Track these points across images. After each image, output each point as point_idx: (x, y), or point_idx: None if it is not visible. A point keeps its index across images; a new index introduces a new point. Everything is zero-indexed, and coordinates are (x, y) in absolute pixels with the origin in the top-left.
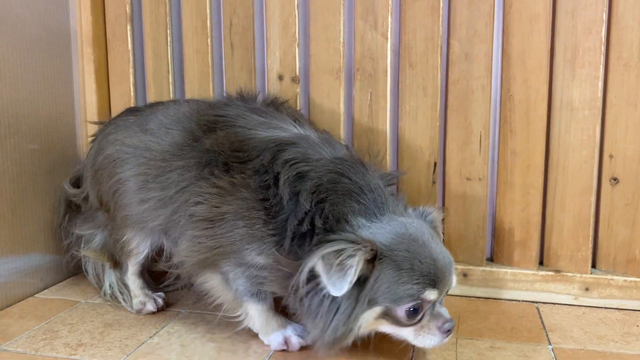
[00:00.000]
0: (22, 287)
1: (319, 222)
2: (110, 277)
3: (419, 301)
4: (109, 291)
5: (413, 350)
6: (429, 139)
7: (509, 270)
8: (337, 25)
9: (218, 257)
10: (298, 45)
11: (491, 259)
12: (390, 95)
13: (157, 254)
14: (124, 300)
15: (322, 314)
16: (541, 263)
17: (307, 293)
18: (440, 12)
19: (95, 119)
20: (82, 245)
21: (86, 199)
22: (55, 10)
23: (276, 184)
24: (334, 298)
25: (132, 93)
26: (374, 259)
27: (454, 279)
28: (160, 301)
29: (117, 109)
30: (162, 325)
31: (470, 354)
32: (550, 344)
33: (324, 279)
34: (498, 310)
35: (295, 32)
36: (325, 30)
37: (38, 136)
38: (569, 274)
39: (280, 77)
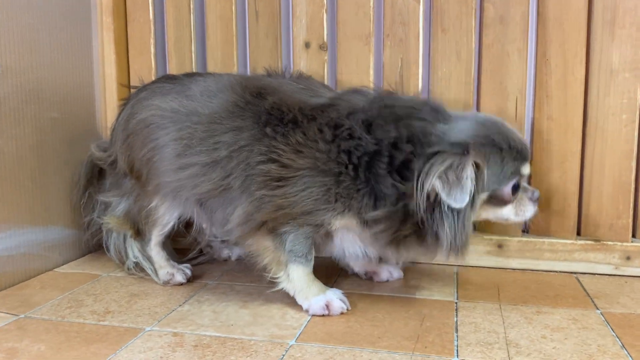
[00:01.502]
0: (41, 260)
1: (408, 147)
2: (133, 248)
3: (519, 176)
4: (133, 261)
5: (456, 315)
6: (462, 105)
7: (546, 240)
8: None
9: (283, 218)
10: (326, 10)
11: (527, 230)
12: (422, 61)
13: (185, 226)
14: (150, 270)
15: (449, 225)
16: (579, 232)
17: (427, 212)
18: None
19: (114, 90)
20: (104, 213)
21: (113, 163)
22: None
23: (351, 135)
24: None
25: (152, 64)
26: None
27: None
28: (188, 272)
29: (136, 80)
30: (190, 295)
31: (517, 317)
32: (597, 308)
33: (445, 196)
34: (537, 280)
35: None
36: None
37: (58, 104)
38: (609, 243)
39: (307, 45)
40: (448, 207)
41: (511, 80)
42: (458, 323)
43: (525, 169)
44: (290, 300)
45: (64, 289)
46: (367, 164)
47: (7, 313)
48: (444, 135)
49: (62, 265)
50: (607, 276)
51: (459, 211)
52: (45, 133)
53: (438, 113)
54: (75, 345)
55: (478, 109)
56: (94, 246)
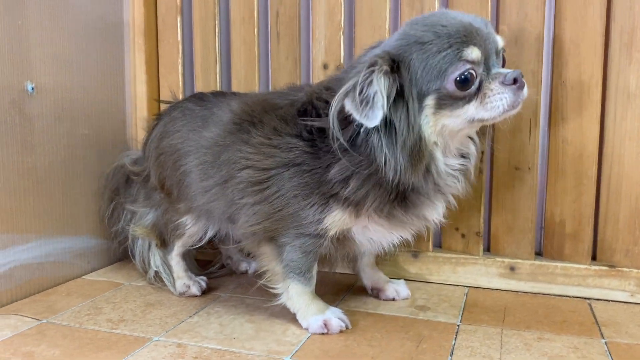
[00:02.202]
0: (70, 267)
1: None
2: (155, 257)
3: (463, 64)
4: (154, 270)
5: (455, 339)
6: None
7: (559, 264)
8: (382, 12)
9: (276, 225)
10: (343, 33)
11: (540, 253)
12: None
13: (209, 241)
14: (168, 281)
15: (380, 146)
16: (594, 257)
17: (352, 140)
18: None
19: (145, 108)
20: (133, 222)
21: (147, 177)
22: (110, 1)
23: (300, 122)
24: (382, 126)
25: (180, 83)
26: (394, 63)
27: (497, 36)
28: (203, 284)
29: (166, 96)
30: (202, 307)
31: (516, 343)
32: (603, 337)
33: (357, 116)
34: (547, 305)
35: (340, 19)
36: (371, 17)
37: (89, 121)
38: (625, 269)
39: (325, 66)
40: (372, 129)
41: (525, 103)
42: (455, 346)
43: (470, 54)
44: (293, 316)
45: (87, 297)
46: (321, 144)
47: (32, 318)
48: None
49: (90, 272)
50: (622, 303)
51: (394, 127)
52: (76, 148)
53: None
54: (86, 352)
55: (493, 128)
56: (120, 255)
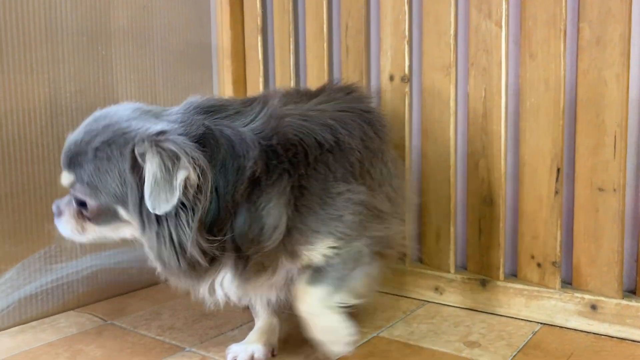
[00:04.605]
0: (152, 273)
1: None
2: None
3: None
4: None
5: None
6: (551, 141)
7: None
8: (448, 17)
9: None
10: (407, 42)
11: (633, 291)
12: (505, 91)
13: None
14: None
15: None
16: None
17: None
18: None
19: None
20: None
21: None
22: (197, 25)
23: None
24: None
25: None
26: None
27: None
28: None
29: None
30: (248, 321)
31: None
32: None
33: None
34: (632, 354)
35: (405, 28)
36: (437, 24)
37: None
38: None
39: (391, 78)
40: None
41: (609, 111)
42: None
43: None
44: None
45: (155, 302)
46: None
47: (100, 318)
48: None
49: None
50: None
51: None
52: None
53: None
54: (123, 356)
55: (574, 144)
56: None
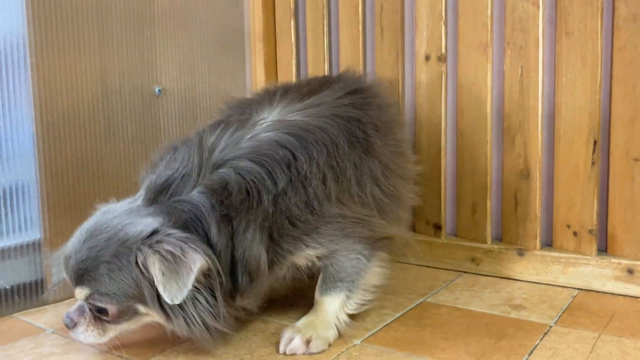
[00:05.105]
0: None
1: None
2: None
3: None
4: None
5: (541, 339)
6: (588, 114)
7: None
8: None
9: None
10: (444, 23)
11: None
12: (542, 69)
13: None
14: None
15: None
16: None
17: None
18: None
19: None
20: None
21: None
22: (231, 9)
23: None
24: None
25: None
26: None
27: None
28: None
29: None
30: None
31: (610, 349)
32: None
33: None
34: None
35: (442, 9)
36: (473, 5)
37: (210, 119)
38: None
39: (427, 58)
40: None
41: None
42: (537, 346)
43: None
44: (379, 304)
45: None
46: None
47: None
48: None
49: None
50: None
51: None
52: None
53: None
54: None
55: (610, 116)
56: None
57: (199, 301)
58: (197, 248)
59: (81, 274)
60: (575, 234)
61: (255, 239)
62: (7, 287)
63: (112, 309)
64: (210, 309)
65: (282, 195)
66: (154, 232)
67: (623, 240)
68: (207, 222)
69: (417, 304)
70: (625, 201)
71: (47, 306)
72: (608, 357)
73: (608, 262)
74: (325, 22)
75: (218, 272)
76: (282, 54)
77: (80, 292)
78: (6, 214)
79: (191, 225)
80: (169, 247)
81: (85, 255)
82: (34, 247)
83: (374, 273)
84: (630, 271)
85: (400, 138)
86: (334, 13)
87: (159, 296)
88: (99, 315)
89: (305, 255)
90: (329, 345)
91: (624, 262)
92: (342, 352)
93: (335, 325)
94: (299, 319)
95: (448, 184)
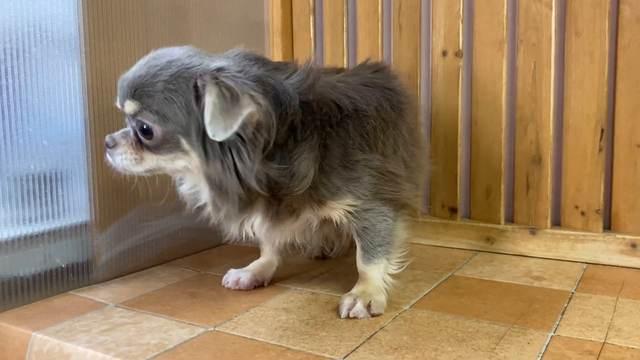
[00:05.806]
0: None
1: None
2: None
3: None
4: None
5: (568, 302)
6: (595, 105)
7: None
8: (500, 0)
9: None
10: (462, 21)
11: None
12: (554, 64)
13: None
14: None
15: None
16: None
17: None
18: None
19: None
20: None
21: None
22: (253, 3)
23: None
24: None
25: None
26: None
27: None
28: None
29: None
30: (333, 267)
31: (630, 308)
32: None
33: None
34: None
35: (459, 9)
36: (489, 5)
37: None
38: None
39: (444, 53)
40: None
41: None
42: (567, 308)
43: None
44: (412, 277)
45: (234, 257)
46: None
47: (193, 270)
48: None
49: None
50: None
51: None
52: None
53: None
54: (242, 294)
55: (614, 107)
56: None
57: (241, 152)
58: (256, 96)
59: (136, 88)
60: (583, 213)
61: (311, 153)
62: (63, 265)
63: (157, 130)
64: (250, 164)
65: (345, 122)
66: (220, 69)
67: (626, 218)
68: (285, 97)
69: (447, 277)
70: (628, 184)
71: (98, 285)
72: (630, 314)
73: (613, 238)
74: (344, 18)
75: (268, 130)
76: (298, 47)
77: (131, 105)
78: (58, 197)
79: (269, 90)
80: (230, 83)
81: (144, 71)
82: (84, 228)
83: (402, 228)
84: (633, 245)
85: (416, 114)
86: (351, 9)
87: (204, 134)
88: (143, 137)
89: (343, 206)
90: (384, 309)
91: (628, 237)
92: (396, 315)
93: (385, 289)
94: (342, 290)
95: (463, 170)
